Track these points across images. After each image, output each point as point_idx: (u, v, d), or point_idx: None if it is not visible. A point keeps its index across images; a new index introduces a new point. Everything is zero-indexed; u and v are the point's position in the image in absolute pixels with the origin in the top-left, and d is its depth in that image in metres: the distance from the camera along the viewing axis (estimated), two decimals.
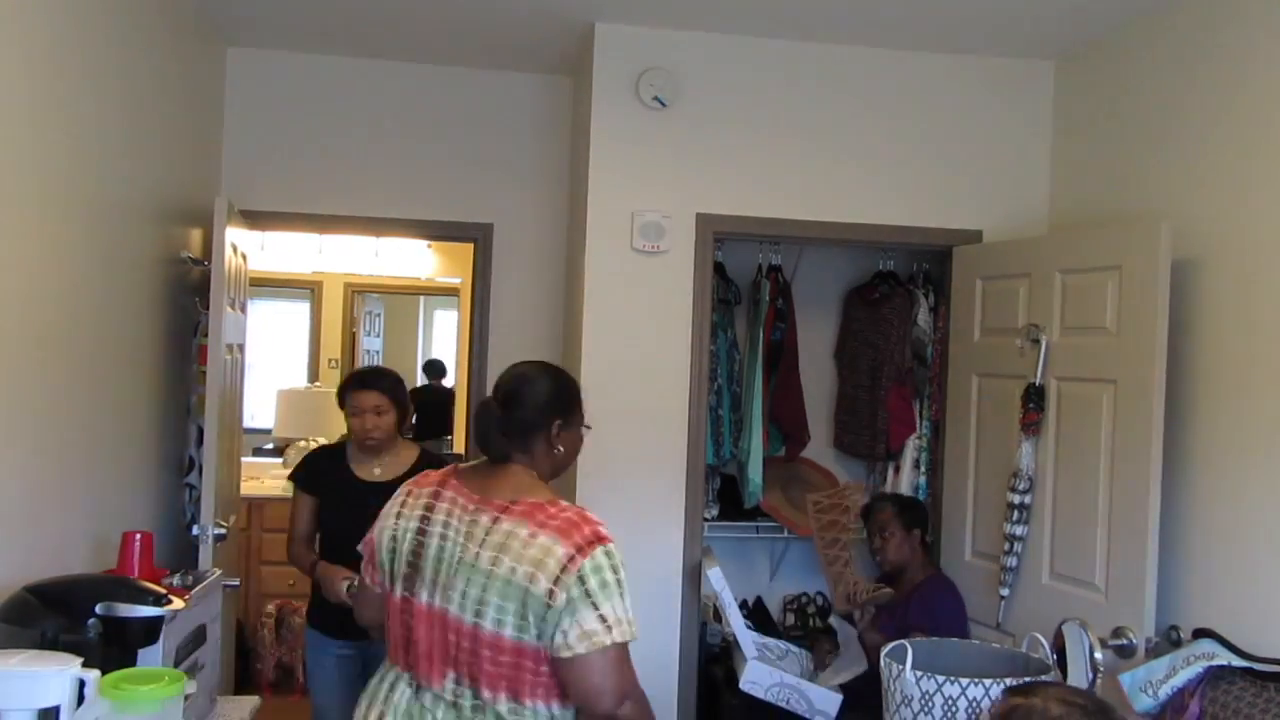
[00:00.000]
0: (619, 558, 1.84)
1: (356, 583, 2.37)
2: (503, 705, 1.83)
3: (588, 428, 2.10)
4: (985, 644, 2.79)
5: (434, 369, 6.68)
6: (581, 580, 1.78)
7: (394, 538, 1.97)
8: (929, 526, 3.70)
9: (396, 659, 1.97)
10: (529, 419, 1.98)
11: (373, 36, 3.75)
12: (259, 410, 5.86)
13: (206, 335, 3.30)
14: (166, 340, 3.26)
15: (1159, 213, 3.07)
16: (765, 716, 3.59)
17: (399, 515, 1.99)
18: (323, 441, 5.81)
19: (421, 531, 1.94)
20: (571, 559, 1.79)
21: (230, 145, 3.90)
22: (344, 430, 3.27)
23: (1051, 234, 3.66)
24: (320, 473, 3.22)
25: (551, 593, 1.78)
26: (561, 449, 2.02)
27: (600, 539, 1.83)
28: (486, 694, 1.83)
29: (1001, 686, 2.32)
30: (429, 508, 1.96)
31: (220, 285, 3.18)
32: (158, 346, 3.18)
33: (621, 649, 1.81)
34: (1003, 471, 3.37)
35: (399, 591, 1.95)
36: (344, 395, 3.16)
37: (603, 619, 1.78)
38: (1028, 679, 2.31)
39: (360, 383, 3.16)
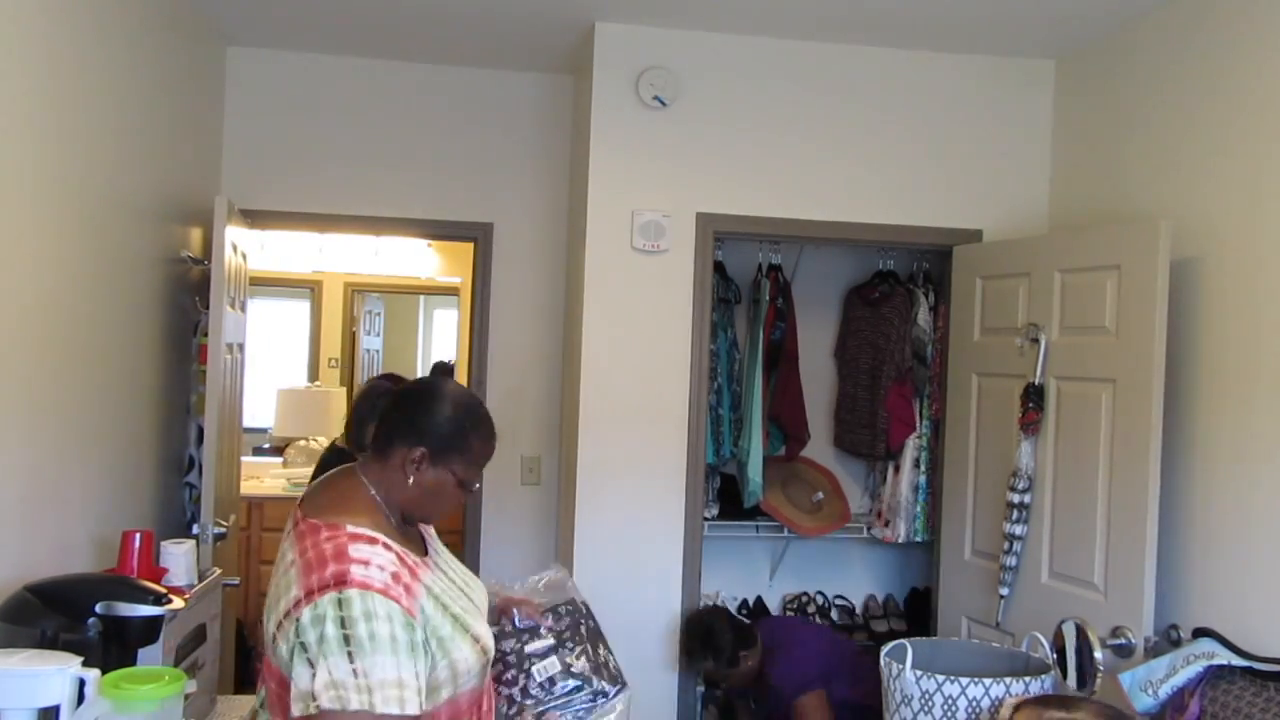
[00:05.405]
0: (360, 608, 1.49)
1: None
2: None
3: (468, 490, 1.73)
4: (985, 644, 2.79)
5: (443, 371, 6.50)
6: (299, 631, 1.49)
7: None
8: (748, 636, 3.47)
9: None
10: (399, 426, 1.68)
11: (373, 36, 3.75)
12: (259, 410, 5.87)
13: (206, 335, 3.31)
14: (166, 340, 3.27)
15: (1159, 212, 3.07)
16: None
17: None
18: (323, 441, 5.82)
19: None
20: (297, 603, 1.51)
21: (230, 145, 3.90)
22: (337, 431, 3.21)
23: (1051, 234, 3.66)
24: None
25: (274, 638, 1.54)
26: (412, 481, 1.67)
27: (338, 583, 1.50)
28: None
29: (1002, 686, 2.32)
30: None
31: (220, 284, 3.18)
32: (158, 346, 3.18)
33: (338, 717, 1.44)
34: (1002, 471, 3.37)
35: None
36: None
37: (316, 678, 1.46)
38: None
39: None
